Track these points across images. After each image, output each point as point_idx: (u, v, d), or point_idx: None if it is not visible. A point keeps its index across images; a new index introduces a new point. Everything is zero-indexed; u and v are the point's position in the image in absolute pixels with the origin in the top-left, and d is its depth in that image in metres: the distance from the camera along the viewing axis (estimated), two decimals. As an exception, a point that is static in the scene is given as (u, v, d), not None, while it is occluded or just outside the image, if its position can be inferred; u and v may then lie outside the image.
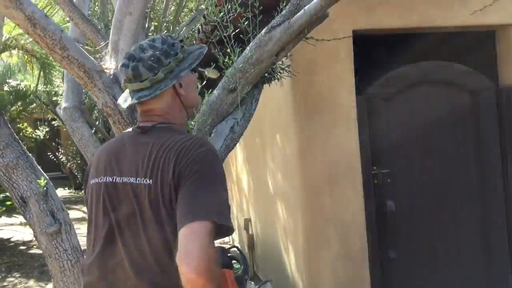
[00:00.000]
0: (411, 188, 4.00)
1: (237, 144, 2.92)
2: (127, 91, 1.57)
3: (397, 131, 3.96)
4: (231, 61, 2.78)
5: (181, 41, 1.59)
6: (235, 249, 1.96)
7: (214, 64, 2.84)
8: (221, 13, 2.88)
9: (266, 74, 2.95)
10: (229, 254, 1.67)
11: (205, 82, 2.76)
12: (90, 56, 2.40)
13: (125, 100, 1.56)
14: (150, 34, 4.95)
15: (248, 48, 2.74)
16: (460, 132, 4.09)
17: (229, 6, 2.83)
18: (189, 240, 1.21)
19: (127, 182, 1.42)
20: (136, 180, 1.40)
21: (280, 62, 3.06)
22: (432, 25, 3.95)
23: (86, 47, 3.46)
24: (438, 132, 4.05)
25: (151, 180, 1.37)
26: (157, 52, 1.48)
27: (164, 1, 6.14)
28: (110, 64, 2.43)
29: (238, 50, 2.77)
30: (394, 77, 3.97)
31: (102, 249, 1.46)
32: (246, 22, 2.81)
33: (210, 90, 2.78)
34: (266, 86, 3.07)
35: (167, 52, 1.49)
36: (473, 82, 4.09)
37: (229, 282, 1.45)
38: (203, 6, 6.38)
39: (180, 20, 7.66)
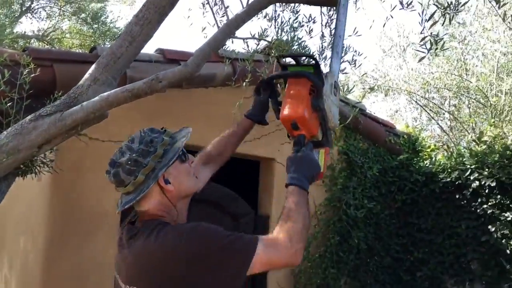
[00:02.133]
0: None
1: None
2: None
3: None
4: (-22, 144, 2.28)
5: (164, 131, 1.51)
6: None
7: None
8: (-20, 86, 2.41)
9: (21, 166, 2.51)
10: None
11: None
12: None
13: (119, 203, 1.50)
14: None
15: (5, 133, 2.31)
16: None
17: (-9, 81, 2.39)
18: None
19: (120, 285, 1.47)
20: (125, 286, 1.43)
21: (42, 154, 2.66)
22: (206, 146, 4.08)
23: None
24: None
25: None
26: (134, 155, 1.42)
27: None
28: None
29: (-9, 132, 2.31)
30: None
31: None
32: (10, 103, 2.41)
33: None
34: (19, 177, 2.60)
35: (145, 152, 1.43)
36: (235, 207, 4.27)
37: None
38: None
39: None
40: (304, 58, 1.84)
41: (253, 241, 1.34)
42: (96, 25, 13.06)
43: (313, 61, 1.68)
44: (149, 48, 4.12)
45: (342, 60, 2.35)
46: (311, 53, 2.15)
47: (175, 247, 1.32)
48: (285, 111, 1.59)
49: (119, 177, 1.43)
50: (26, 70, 2.52)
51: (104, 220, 3.35)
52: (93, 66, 2.56)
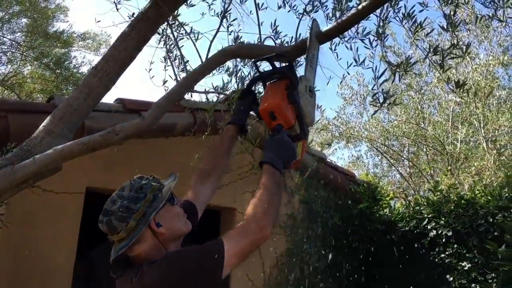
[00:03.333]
0: None
1: None
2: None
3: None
4: None
5: (153, 178, 1.57)
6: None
7: None
8: None
9: (-32, 221, 2.40)
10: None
11: None
12: None
13: (113, 252, 1.50)
14: None
15: (-50, 186, 2.21)
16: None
17: None
18: None
19: None
20: None
21: (-9, 209, 2.56)
22: (166, 196, 4.03)
23: None
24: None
25: None
26: (125, 202, 1.47)
27: None
28: None
29: None
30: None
31: None
32: (-42, 155, 2.32)
33: None
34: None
35: (135, 198, 1.48)
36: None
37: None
38: None
39: None
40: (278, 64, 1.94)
41: (219, 242, 1.39)
42: (59, 70, 12.96)
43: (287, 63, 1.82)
44: (110, 98, 4.10)
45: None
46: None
47: (152, 281, 1.35)
48: (263, 103, 1.69)
49: (112, 224, 1.47)
50: (-22, 121, 2.44)
51: (56, 275, 3.21)
52: (48, 118, 2.52)
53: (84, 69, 13.48)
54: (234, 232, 1.42)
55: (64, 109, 2.53)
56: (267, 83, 1.80)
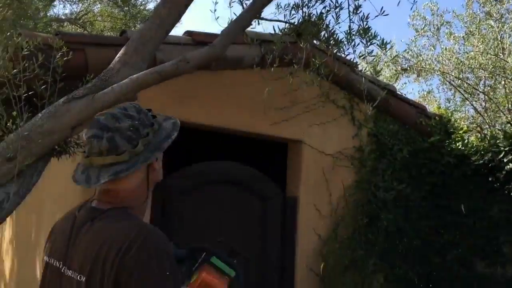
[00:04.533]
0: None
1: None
2: (82, 167, 1.35)
3: (190, 226, 3.85)
4: (15, 126, 2.37)
5: (149, 110, 1.42)
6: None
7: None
8: (15, 70, 2.49)
9: (56, 147, 2.59)
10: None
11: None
12: None
13: (88, 178, 1.32)
14: None
15: (40, 115, 2.39)
16: (248, 233, 4.19)
17: (26, 64, 2.46)
18: None
19: (72, 277, 1.28)
20: (78, 277, 1.26)
21: (75, 136, 2.74)
22: (235, 128, 4.12)
23: None
24: (228, 232, 4.07)
25: (85, 278, 1.24)
26: (136, 122, 1.33)
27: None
28: None
29: (26, 114, 2.39)
30: (192, 171, 3.95)
31: None
32: (44, 86, 2.48)
33: None
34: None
35: (144, 122, 1.35)
36: (263, 188, 4.30)
37: None
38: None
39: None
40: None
41: None
42: (126, 8, 13.18)
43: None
44: (179, 31, 4.15)
45: (370, 43, 2.38)
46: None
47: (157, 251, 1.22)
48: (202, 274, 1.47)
49: (115, 142, 1.29)
50: (59, 54, 2.57)
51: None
52: (122, 50, 2.61)
53: (151, 6, 13.60)
54: None
55: (137, 41, 2.60)
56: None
